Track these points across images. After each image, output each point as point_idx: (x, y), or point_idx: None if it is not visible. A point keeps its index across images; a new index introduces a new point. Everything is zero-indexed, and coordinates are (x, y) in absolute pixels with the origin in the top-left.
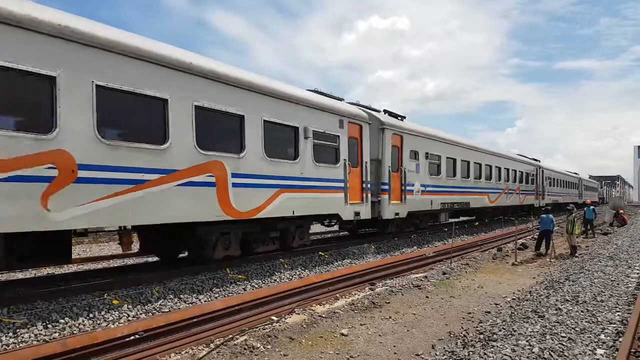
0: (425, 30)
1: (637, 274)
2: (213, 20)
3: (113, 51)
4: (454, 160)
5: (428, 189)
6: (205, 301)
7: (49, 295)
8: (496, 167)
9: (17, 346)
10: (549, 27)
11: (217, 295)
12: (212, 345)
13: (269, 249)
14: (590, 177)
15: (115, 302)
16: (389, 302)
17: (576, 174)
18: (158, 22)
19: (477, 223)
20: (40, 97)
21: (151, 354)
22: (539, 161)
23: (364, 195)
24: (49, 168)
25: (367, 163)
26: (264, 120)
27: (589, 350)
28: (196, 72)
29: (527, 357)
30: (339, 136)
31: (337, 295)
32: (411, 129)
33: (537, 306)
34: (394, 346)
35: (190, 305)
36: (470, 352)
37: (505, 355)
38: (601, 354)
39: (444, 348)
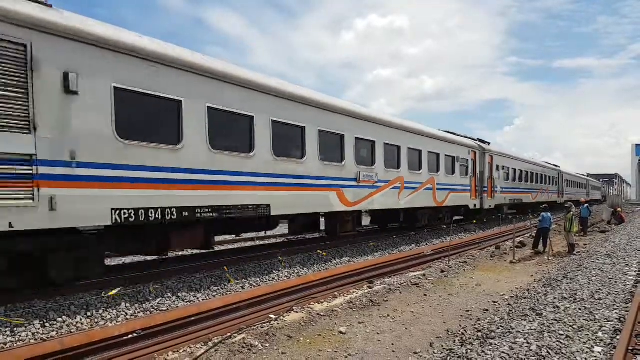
0: (424, 29)
1: (635, 271)
2: (211, 19)
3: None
4: (515, 169)
5: (503, 190)
6: (203, 299)
7: (46, 293)
8: (535, 173)
9: (15, 345)
10: (547, 26)
11: (215, 293)
12: (210, 344)
13: (436, 223)
14: (589, 175)
15: (111, 293)
16: (387, 301)
17: (584, 175)
18: (156, 22)
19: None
20: (396, 155)
21: (149, 352)
22: (559, 167)
23: (477, 194)
24: (398, 183)
25: (478, 174)
26: (445, 155)
27: (587, 348)
28: (427, 135)
29: (525, 355)
30: (468, 159)
31: (336, 293)
32: (496, 151)
33: (535, 304)
34: (393, 344)
35: (189, 303)
36: (468, 350)
37: (503, 353)
38: (599, 352)
39: (442, 346)
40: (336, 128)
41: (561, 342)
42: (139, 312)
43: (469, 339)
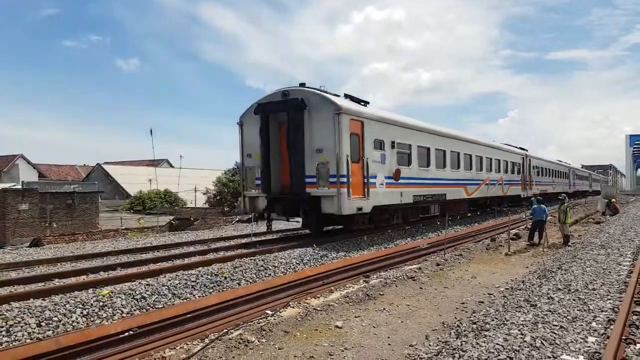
0: (420, 22)
1: (629, 262)
2: (205, 15)
3: None
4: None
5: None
6: (199, 296)
7: (42, 292)
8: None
9: (11, 344)
10: (542, 18)
11: (211, 290)
12: (206, 340)
13: None
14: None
15: (104, 292)
16: (383, 294)
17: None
18: (152, 21)
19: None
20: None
21: (145, 350)
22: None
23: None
24: None
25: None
26: None
27: (581, 338)
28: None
29: (519, 346)
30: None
31: (332, 288)
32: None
33: (529, 295)
34: (388, 337)
35: (185, 300)
36: (464, 342)
37: (498, 344)
38: (592, 342)
39: (438, 338)
40: None
41: (555, 333)
42: (134, 310)
43: (464, 331)
